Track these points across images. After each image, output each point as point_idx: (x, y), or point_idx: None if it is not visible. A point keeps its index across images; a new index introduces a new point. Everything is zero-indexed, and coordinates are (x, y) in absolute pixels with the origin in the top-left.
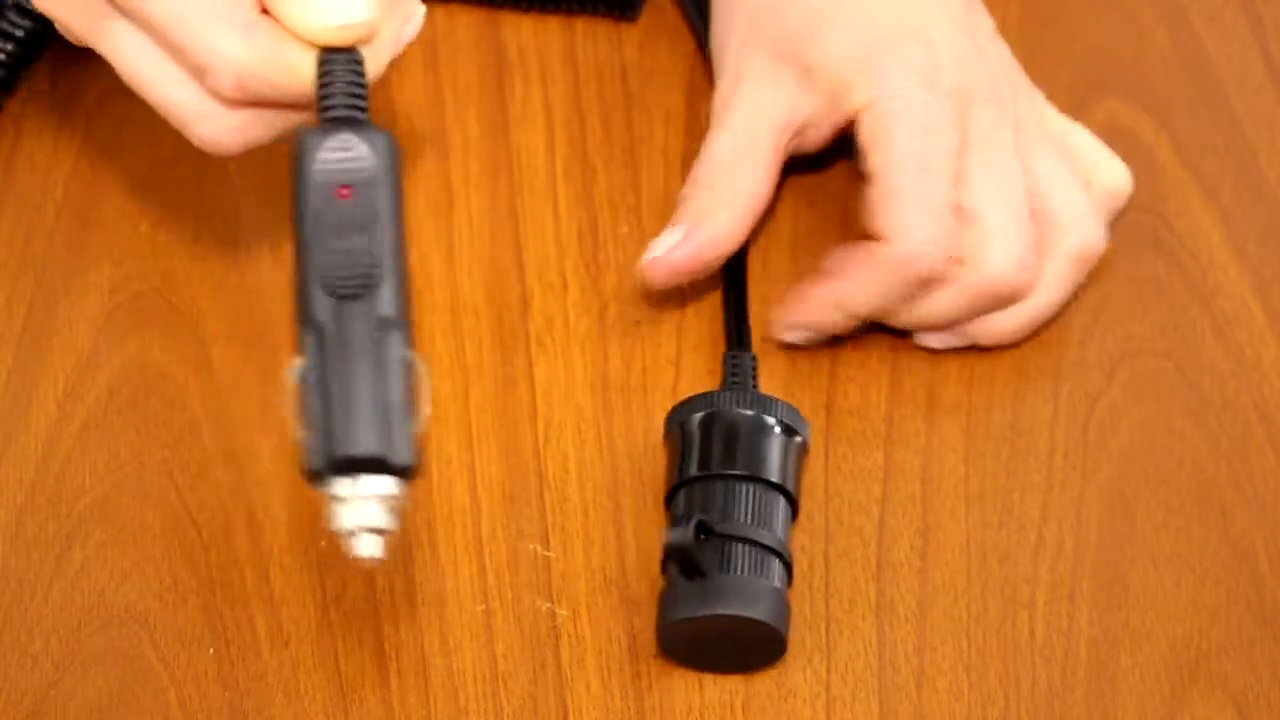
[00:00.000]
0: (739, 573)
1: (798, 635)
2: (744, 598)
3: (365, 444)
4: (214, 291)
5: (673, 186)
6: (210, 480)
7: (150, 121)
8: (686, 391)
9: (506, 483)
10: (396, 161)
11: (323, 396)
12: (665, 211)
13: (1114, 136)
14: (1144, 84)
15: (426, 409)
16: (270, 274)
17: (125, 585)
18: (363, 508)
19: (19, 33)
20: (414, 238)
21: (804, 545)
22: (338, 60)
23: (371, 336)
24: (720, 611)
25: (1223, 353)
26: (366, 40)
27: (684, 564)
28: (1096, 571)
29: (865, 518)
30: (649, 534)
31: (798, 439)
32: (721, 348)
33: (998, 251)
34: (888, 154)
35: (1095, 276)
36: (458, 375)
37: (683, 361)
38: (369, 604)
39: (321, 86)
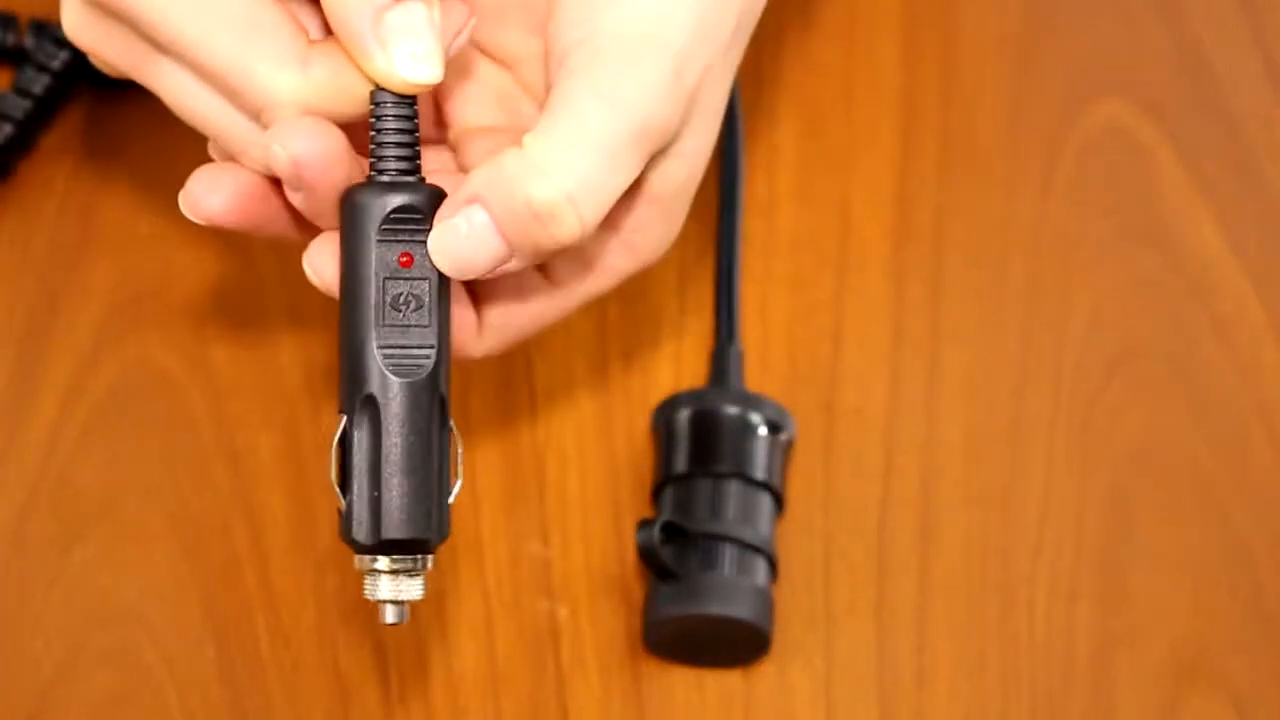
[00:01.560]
0: (720, 571)
1: (797, 635)
2: (724, 597)
3: (413, 529)
4: (214, 291)
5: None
6: (210, 480)
7: (151, 121)
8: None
9: (506, 483)
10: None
11: (372, 473)
12: None
13: (1114, 136)
14: (1144, 84)
15: (460, 479)
16: (271, 274)
17: (125, 585)
18: (398, 582)
19: (55, 63)
20: None
21: (804, 545)
22: (389, 101)
23: (426, 417)
24: (700, 611)
25: (1222, 353)
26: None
27: (652, 565)
28: (1096, 571)
29: (865, 518)
30: None
31: (782, 436)
32: None
33: None
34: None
35: (1095, 276)
36: (458, 375)
37: (682, 361)
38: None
39: (375, 132)
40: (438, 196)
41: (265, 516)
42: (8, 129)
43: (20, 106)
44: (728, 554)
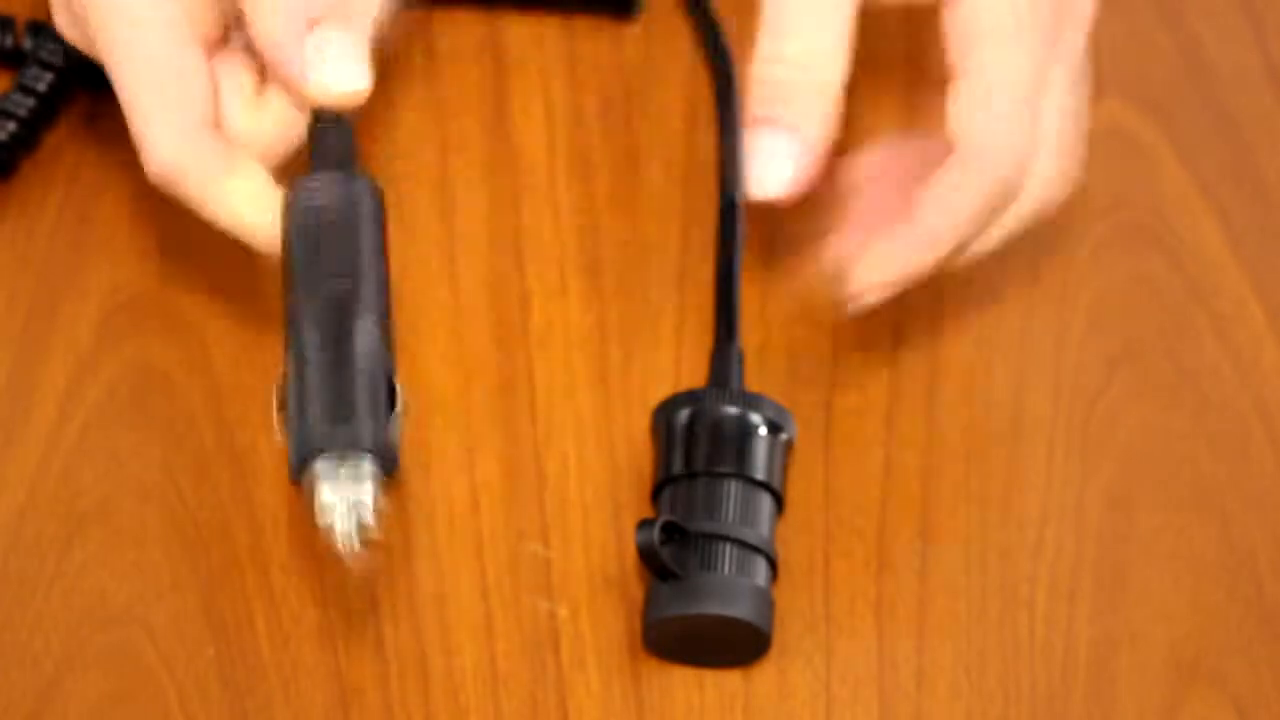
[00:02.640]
0: (720, 571)
1: (797, 635)
2: (724, 597)
3: (330, 438)
4: (214, 291)
5: (673, 186)
6: (210, 480)
7: None
8: None
9: (506, 483)
10: (376, 197)
11: (295, 398)
12: (665, 211)
13: (1114, 136)
14: (1144, 84)
15: (405, 409)
16: (270, 274)
17: (125, 585)
18: (341, 507)
19: (59, 60)
20: (414, 238)
21: (804, 545)
22: (329, 124)
23: (339, 336)
24: (699, 611)
25: (1223, 353)
26: (359, 105)
27: (651, 565)
28: (1096, 571)
29: (865, 518)
30: None
31: (783, 436)
32: None
33: (1048, 174)
34: (983, 52)
35: (1095, 276)
36: (458, 375)
37: (683, 361)
38: (369, 604)
39: (314, 148)
40: (362, 180)
41: (265, 516)
42: (11, 126)
43: (24, 104)
44: (727, 554)
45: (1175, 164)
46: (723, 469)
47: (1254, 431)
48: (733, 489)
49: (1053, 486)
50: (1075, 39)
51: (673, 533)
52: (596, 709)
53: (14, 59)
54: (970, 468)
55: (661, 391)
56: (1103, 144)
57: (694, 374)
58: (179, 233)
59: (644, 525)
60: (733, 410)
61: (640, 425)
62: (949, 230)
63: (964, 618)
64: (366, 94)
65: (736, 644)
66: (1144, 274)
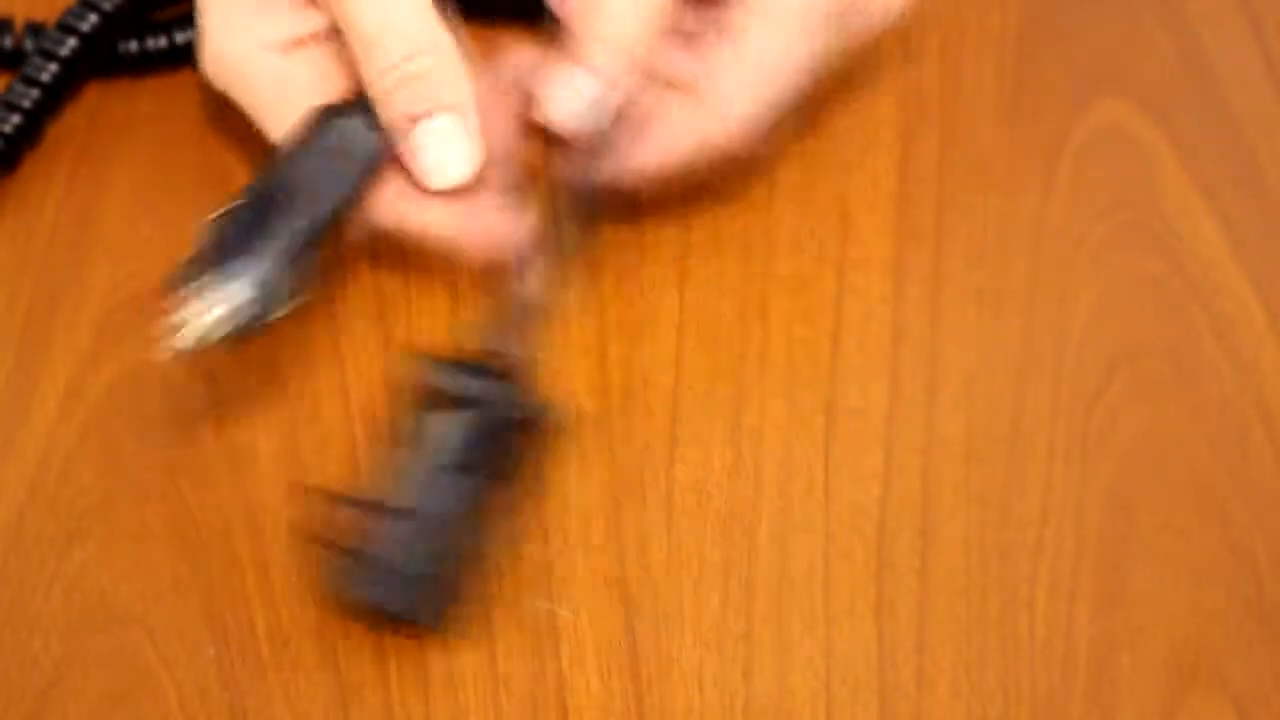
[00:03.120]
0: (382, 552)
1: (797, 635)
2: (375, 580)
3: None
4: None
5: (673, 187)
6: (210, 480)
7: (154, 119)
8: (686, 391)
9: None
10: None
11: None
12: (665, 212)
13: (1114, 136)
14: (1144, 84)
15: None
16: None
17: (125, 585)
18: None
19: (63, 51)
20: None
21: (804, 545)
22: None
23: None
24: (358, 592)
25: (1223, 353)
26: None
27: (317, 534)
28: (1096, 571)
29: (865, 518)
30: (649, 534)
31: (515, 416)
32: (722, 347)
33: None
34: None
35: (1095, 276)
36: None
37: (682, 361)
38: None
39: None
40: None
41: (265, 516)
42: (16, 119)
43: (28, 95)
44: (391, 533)
45: (1175, 164)
46: (421, 447)
47: (1254, 431)
48: (425, 470)
49: (1053, 486)
50: None
51: (353, 504)
52: (596, 709)
53: (12, 60)
54: (970, 468)
55: (660, 391)
56: (1103, 144)
57: (694, 373)
58: (179, 232)
59: (312, 494)
60: (440, 381)
61: (640, 425)
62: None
63: (964, 618)
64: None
65: (398, 619)
66: (1144, 274)
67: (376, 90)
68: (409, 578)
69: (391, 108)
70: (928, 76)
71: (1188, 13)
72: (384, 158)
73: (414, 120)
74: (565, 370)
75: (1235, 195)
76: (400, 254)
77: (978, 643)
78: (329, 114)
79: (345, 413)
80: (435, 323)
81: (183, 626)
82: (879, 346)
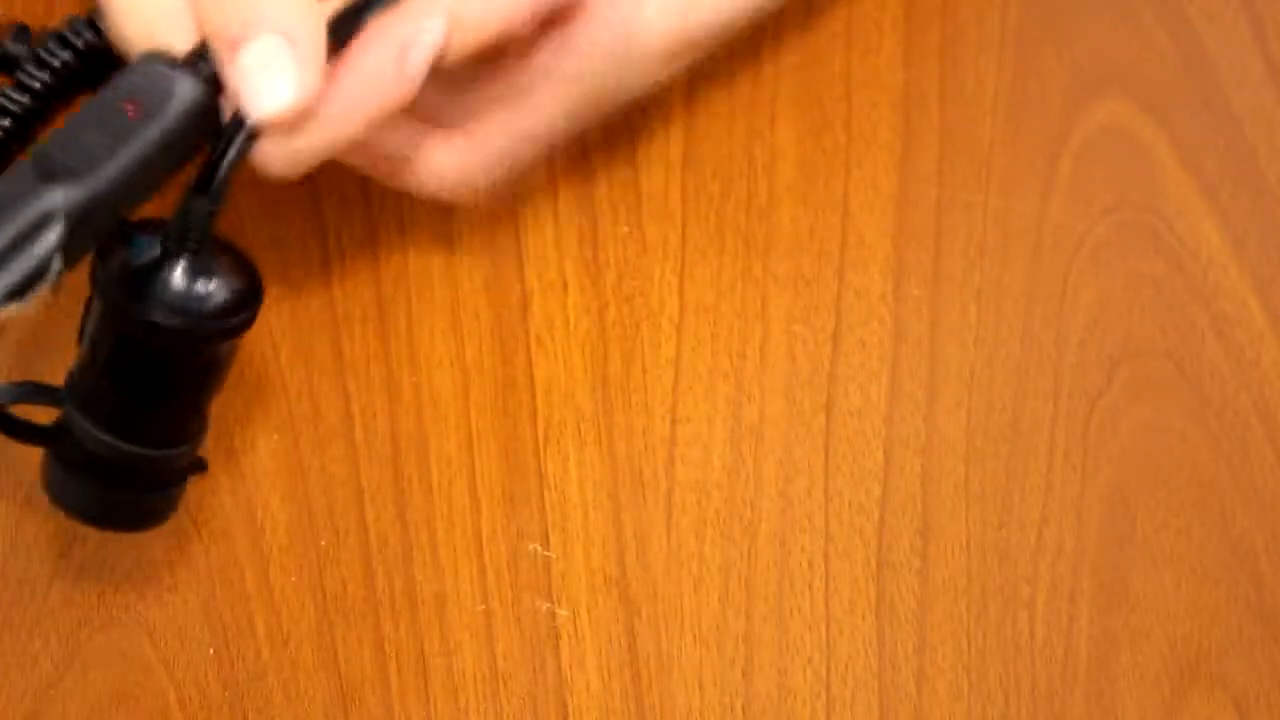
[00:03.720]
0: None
1: (797, 635)
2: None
3: None
4: None
5: (673, 186)
6: (210, 480)
7: None
8: (686, 391)
9: (506, 483)
10: (196, 114)
11: None
12: (665, 211)
13: (1114, 136)
14: (1144, 84)
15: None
16: (270, 274)
17: (125, 585)
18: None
19: (56, 61)
20: (414, 238)
21: (804, 545)
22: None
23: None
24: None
25: (1223, 353)
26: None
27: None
28: (1096, 571)
29: (865, 518)
30: (649, 534)
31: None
32: (722, 347)
33: None
34: None
35: (1095, 276)
36: (458, 375)
37: (682, 361)
38: (369, 604)
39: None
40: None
41: (265, 516)
42: (6, 123)
43: (19, 102)
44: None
45: (1175, 164)
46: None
47: (1254, 431)
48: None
49: (1053, 486)
50: None
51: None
52: (596, 709)
53: (3, 66)
54: (970, 468)
55: (661, 391)
56: (1103, 144)
57: (694, 373)
58: None
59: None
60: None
61: (640, 425)
62: None
63: (964, 618)
64: (304, 105)
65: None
66: (1144, 274)
67: (197, 10)
68: (81, 478)
69: (211, 28)
70: (928, 76)
71: (1188, 13)
72: (205, 114)
73: (235, 45)
74: (565, 370)
75: (1235, 195)
76: (400, 254)
77: (978, 643)
78: (150, 59)
79: (345, 413)
80: (435, 323)
81: (183, 626)
82: (879, 346)
